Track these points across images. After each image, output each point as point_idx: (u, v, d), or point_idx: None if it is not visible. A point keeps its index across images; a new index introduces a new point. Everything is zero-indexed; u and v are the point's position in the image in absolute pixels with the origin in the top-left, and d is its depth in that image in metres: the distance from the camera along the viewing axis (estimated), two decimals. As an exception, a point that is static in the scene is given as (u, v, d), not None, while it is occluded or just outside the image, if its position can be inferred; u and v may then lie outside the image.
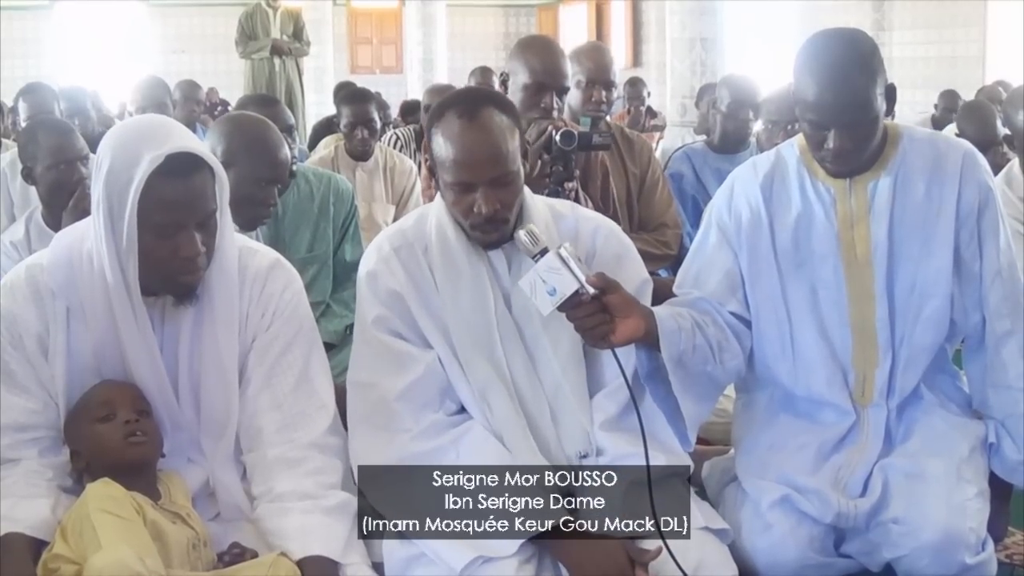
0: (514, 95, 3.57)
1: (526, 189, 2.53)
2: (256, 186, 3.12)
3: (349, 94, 5.57)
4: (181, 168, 2.23)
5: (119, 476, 2.23)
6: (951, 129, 5.85)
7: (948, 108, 8.65)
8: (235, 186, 2.94)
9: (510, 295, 2.49)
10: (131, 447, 2.28)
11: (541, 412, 2.47)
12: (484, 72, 7.30)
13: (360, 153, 5.29)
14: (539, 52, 3.62)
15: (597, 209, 3.44)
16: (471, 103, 2.44)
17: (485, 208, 2.39)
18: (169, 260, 2.27)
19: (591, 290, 2.24)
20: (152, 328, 2.36)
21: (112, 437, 2.28)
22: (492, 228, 2.43)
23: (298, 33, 9.76)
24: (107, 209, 2.26)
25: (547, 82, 3.54)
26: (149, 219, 2.24)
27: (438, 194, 2.54)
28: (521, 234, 2.25)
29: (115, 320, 2.32)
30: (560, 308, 2.24)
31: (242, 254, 2.45)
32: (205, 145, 3.05)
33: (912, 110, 10.02)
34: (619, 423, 2.46)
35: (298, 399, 2.44)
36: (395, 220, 4.76)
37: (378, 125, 5.49)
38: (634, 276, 2.55)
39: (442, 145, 2.42)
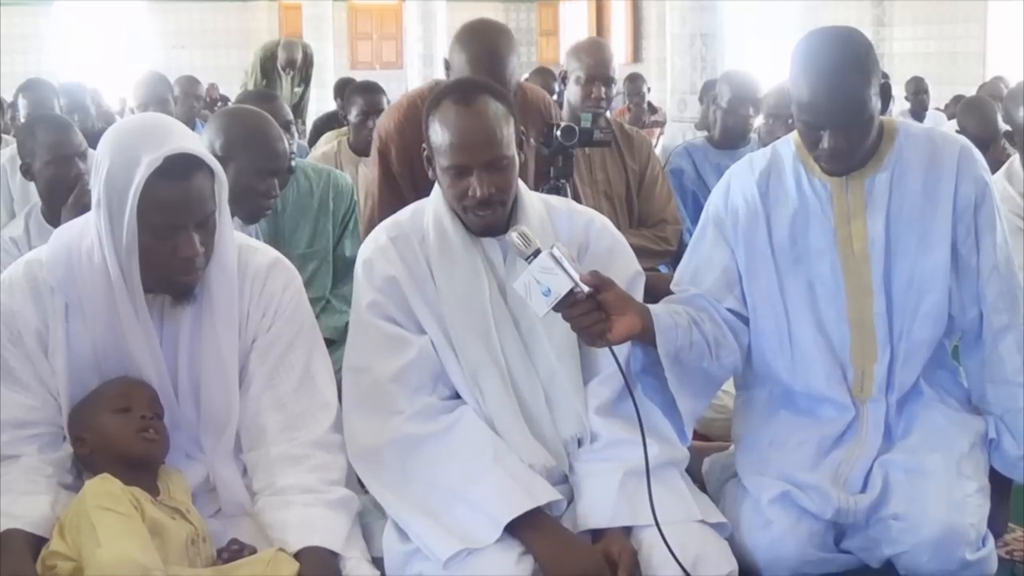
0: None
1: (522, 185, 2.54)
2: (256, 178, 3.11)
3: (360, 86, 5.61)
4: (180, 169, 2.23)
5: (120, 470, 2.23)
6: (952, 125, 5.86)
7: (918, 91, 8.78)
8: (235, 179, 2.94)
9: (505, 284, 2.50)
10: (143, 442, 2.29)
11: (535, 396, 2.48)
12: (544, 73, 7.32)
13: (368, 145, 5.29)
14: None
15: (597, 206, 3.45)
16: (467, 90, 2.48)
17: (480, 191, 2.41)
18: (168, 260, 2.28)
19: (585, 289, 2.24)
20: (152, 325, 2.36)
21: (125, 429, 2.29)
22: (487, 211, 2.44)
23: (307, 78, 9.77)
24: (107, 209, 2.26)
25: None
26: (148, 220, 2.24)
27: (436, 186, 2.55)
28: (513, 236, 2.26)
29: (116, 316, 2.32)
30: (556, 308, 2.24)
31: (242, 252, 2.46)
32: (203, 139, 3.05)
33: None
34: (614, 409, 2.47)
35: (300, 398, 2.44)
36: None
37: None
38: (626, 268, 2.56)
39: (439, 131, 2.45)
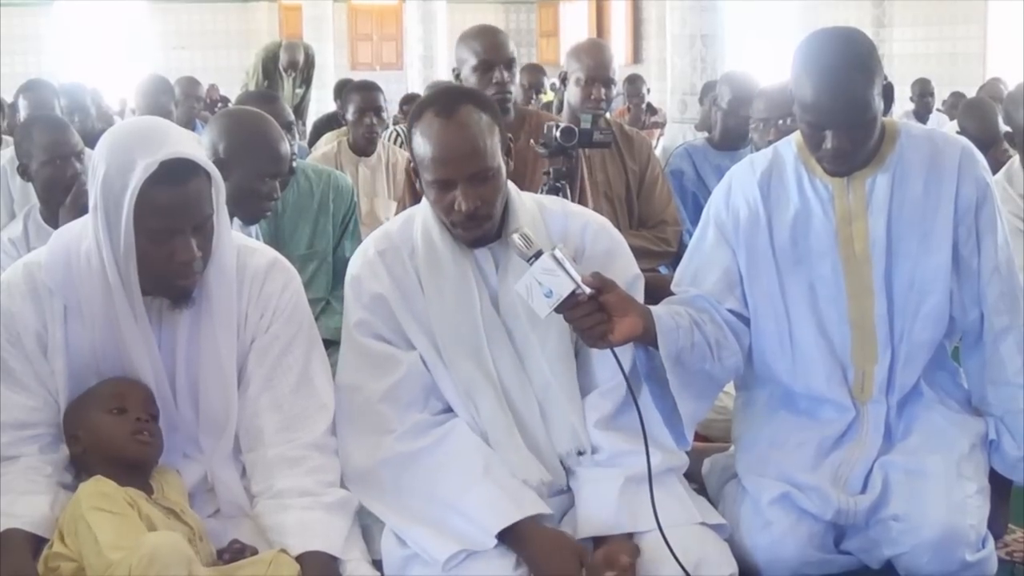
0: (468, 79, 3.61)
1: (513, 186, 2.53)
2: (258, 181, 3.10)
3: (357, 85, 5.64)
4: (175, 174, 2.22)
5: (113, 470, 2.23)
6: (954, 126, 5.85)
7: (923, 93, 8.78)
8: (237, 181, 2.94)
9: (497, 294, 2.49)
10: (136, 444, 2.29)
11: (530, 410, 2.47)
12: (533, 70, 7.34)
13: (366, 143, 5.30)
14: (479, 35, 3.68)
15: (598, 207, 3.44)
16: (448, 101, 2.43)
17: (465, 205, 2.38)
18: (165, 264, 2.27)
19: (587, 290, 2.24)
20: (150, 327, 2.36)
21: (119, 430, 2.29)
22: (474, 225, 2.42)
23: (308, 79, 9.81)
24: (104, 213, 2.26)
25: (492, 59, 3.58)
26: (144, 225, 2.23)
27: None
28: (515, 237, 2.25)
29: (115, 319, 2.32)
30: (557, 310, 2.24)
31: (241, 253, 2.45)
32: (204, 140, 3.04)
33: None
34: (614, 422, 2.46)
35: (298, 399, 2.44)
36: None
37: (386, 114, 5.51)
38: (625, 271, 2.54)
39: (421, 143, 2.41)
